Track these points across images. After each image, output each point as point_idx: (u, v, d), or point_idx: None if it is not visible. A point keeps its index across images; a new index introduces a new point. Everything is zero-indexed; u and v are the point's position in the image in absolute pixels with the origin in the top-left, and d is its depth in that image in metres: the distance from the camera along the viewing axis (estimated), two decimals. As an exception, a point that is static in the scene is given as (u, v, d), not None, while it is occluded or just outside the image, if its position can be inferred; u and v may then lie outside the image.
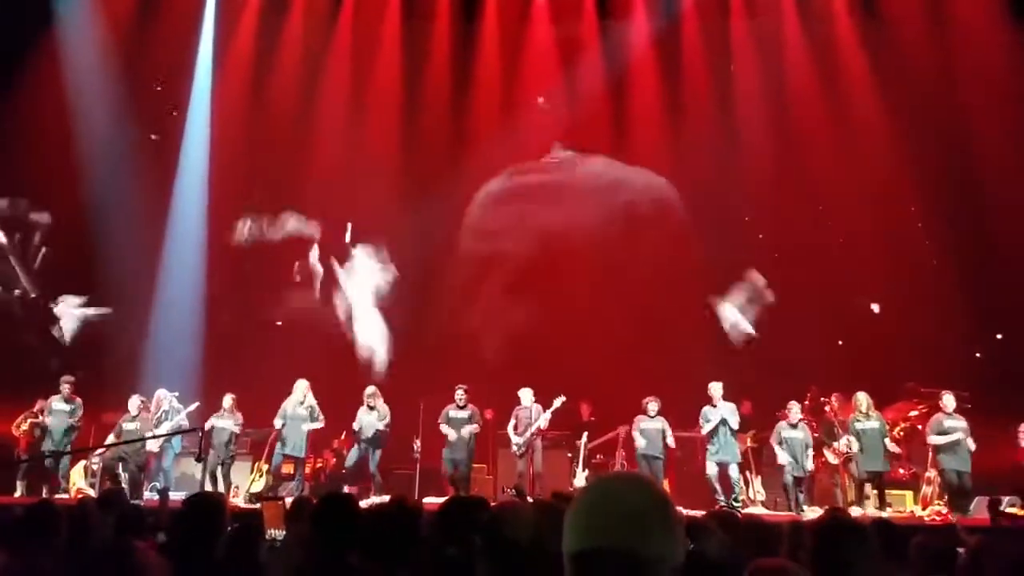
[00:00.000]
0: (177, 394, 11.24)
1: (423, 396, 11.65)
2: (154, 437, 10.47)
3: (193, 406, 11.06)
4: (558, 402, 11.06)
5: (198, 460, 9.60)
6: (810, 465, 10.52)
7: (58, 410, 10.66)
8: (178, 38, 13.85)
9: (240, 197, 13.92)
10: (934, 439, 10.21)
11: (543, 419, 11.03)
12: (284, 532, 4.28)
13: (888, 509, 10.11)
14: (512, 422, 11.23)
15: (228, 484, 10.73)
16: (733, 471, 10.66)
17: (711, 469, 10.64)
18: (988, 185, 12.62)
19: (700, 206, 13.71)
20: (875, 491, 10.30)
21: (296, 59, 14.13)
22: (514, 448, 11.12)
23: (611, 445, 11.81)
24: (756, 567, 2.07)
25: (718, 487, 10.57)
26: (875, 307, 13.66)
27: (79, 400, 10.80)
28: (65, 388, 10.77)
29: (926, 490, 10.36)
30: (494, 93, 14.38)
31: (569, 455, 11.69)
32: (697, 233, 13.64)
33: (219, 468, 10.72)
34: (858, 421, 10.41)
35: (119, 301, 12.77)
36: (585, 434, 11.55)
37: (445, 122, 14.17)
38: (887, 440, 10.37)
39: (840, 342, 13.78)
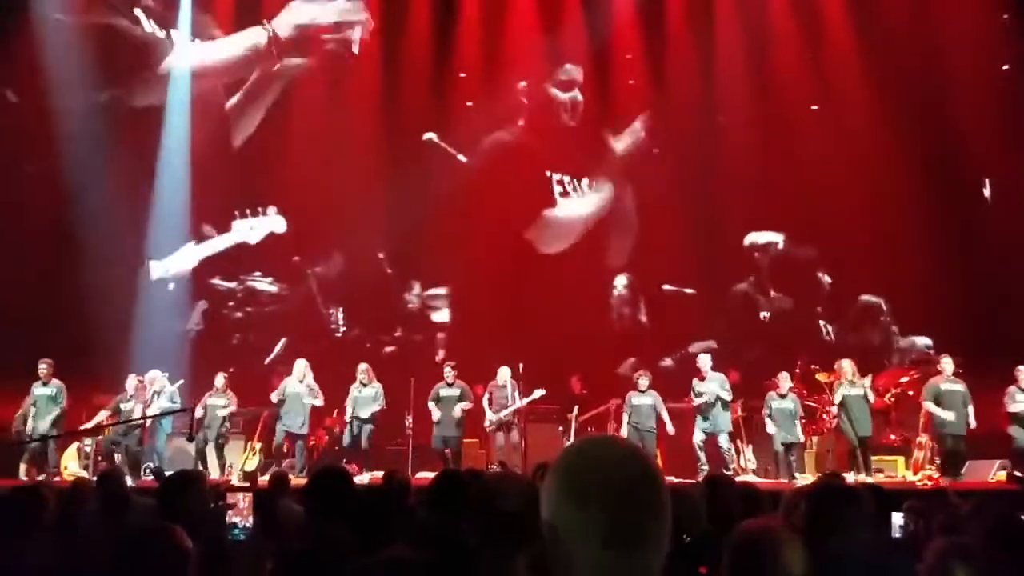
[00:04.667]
0: (168, 374, 11.18)
1: (414, 372, 11.65)
2: (144, 419, 10.41)
3: (179, 383, 11.01)
4: (537, 394, 11.15)
5: (189, 440, 9.63)
6: (800, 433, 10.57)
7: (40, 395, 10.41)
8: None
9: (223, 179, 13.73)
10: (929, 405, 10.18)
11: (520, 403, 11.10)
12: (249, 521, 4.23)
13: (877, 475, 10.18)
14: (487, 396, 11.28)
15: (222, 463, 10.72)
16: (723, 440, 10.71)
17: (698, 436, 10.71)
18: (973, 157, 12.70)
19: (683, 173, 13.67)
20: (861, 457, 10.31)
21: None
22: (486, 423, 11.21)
23: (603, 418, 11.83)
24: (743, 528, 2.06)
25: (702, 456, 10.63)
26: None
27: (60, 382, 10.54)
28: (43, 369, 10.48)
29: (917, 455, 10.43)
30: (475, 64, 14.21)
31: (560, 428, 11.72)
32: (680, 201, 13.61)
33: (209, 448, 10.69)
34: (843, 388, 10.41)
35: (103, 282, 12.58)
36: (576, 407, 11.59)
37: (425, 93, 14.00)
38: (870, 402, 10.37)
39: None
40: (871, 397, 10.39)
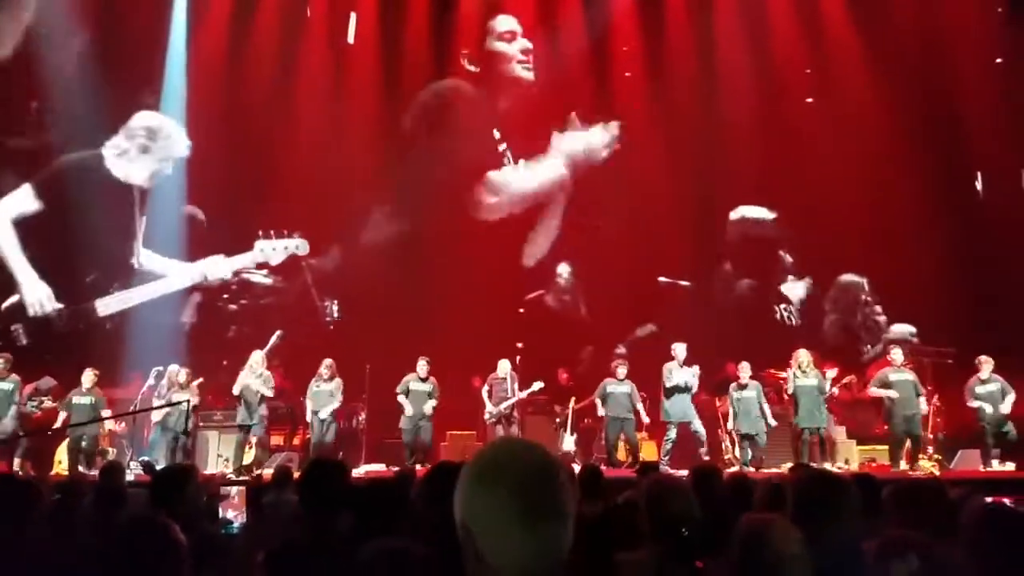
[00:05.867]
0: (188, 369, 11.14)
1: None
2: (139, 412, 10.43)
3: (198, 381, 10.98)
4: (536, 386, 11.19)
5: (185, 434, 9.67)
6: (760, 424, 10.56)
7: None
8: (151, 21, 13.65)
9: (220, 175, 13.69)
10: (874, 391, 10.49)
11: (519, 396, 11.13)
12: (243, 515, 4.26)
13: (837, 465, 10.34)
14: (486, 388, 11.32)
15: (189, 456, 10.54)
16: (697, 425, 10.72)
17: (673, 433, 10.63)
18: (967, 149, 12.73)
19: (681, 163, 13.69)
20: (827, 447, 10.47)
21: (273, 28, 13.89)
22: (486, 416, 11.22)
23: (590, 409, 11.79)
24: (746, 522, 2.09)
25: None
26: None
27: (17, 377, 10.40)
28: None
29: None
30: (471, 56, 14.20)
31: (557, 420, 11.76)
32: (678, 190, 13.63)
33: (177, 442, 10.47)
34: (796, 377, 10.45)
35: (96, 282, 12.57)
36: (573, 399, 11.62)
37: (422, 84, 13.97)
38: (824, 396, 10.45)
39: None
40: (825, 388, 10.47)
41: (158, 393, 11.02)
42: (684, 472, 5.34)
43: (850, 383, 11.58)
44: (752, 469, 9.84)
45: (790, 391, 10.53)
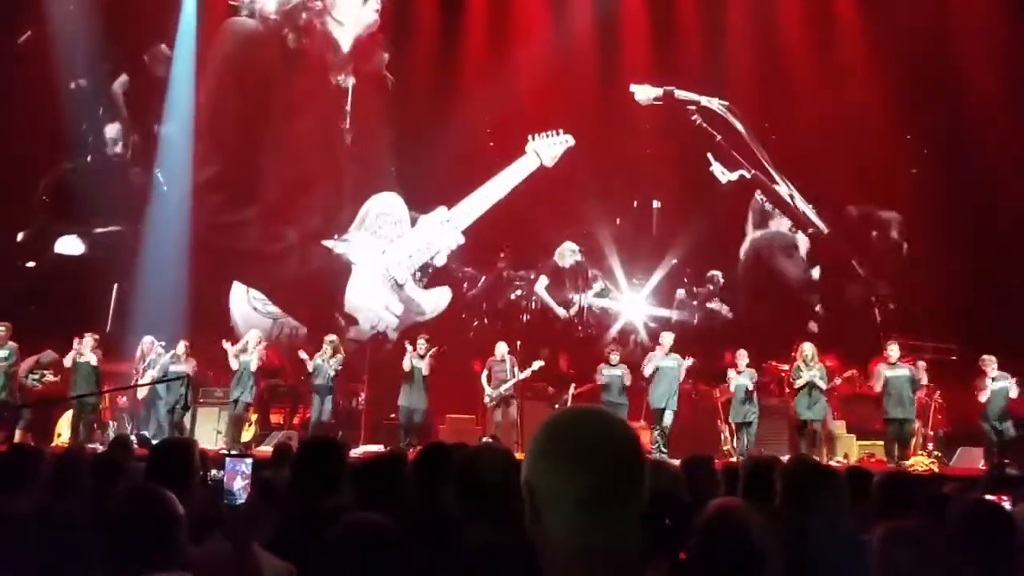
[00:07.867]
0: (163, 343, 11.22)
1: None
2: (139, 385, 10.47)
3: (170, 353, 11.05)
4: (536, 365, 11.18)
5: (184, 408, 9.68)
6: (751, 413, 10.55)
7: None
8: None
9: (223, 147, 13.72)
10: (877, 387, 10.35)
11: (520, 376, 11.13)
12: (247, 488, 4.29)
13: (836, 459, 10.31)
14: (485, 372, 11.33)
15: (183, 429, 10.61)
16: (668, 417, 10.64)
17: (669, 419, 10.58)
18: (985, 134, 12.65)
19: (690, 148, 13.68)
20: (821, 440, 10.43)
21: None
22: (486, 400, 11.23)
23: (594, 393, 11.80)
24: (708, 508, 2.11)
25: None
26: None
27: (15, 345, 10.38)
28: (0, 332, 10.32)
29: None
30: (482, 38, 14.17)
31: (556, 406, 11.77)
32: (683, 178, 13.60)
33: (166, 414, 10.55)
34: (799, 370, 10.43)
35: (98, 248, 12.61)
36: (573, 385, 11.65)
37: (433, 66, 13.98)
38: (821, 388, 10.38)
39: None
40: (821, 383, 10.33)
41: (136, 367, 11.08)
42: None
43: (852, 377, 11.51)
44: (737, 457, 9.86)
45: (797, 384, 10.45)
